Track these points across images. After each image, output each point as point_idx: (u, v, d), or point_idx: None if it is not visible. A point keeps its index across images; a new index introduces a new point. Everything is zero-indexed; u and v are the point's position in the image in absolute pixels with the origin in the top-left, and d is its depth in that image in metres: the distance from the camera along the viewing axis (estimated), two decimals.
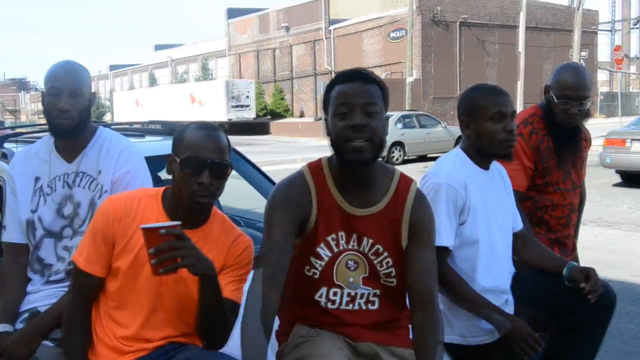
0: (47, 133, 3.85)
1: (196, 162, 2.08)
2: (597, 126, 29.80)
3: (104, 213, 2.18)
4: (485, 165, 2.66)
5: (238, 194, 4.27)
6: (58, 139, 2.60)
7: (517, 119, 3.06)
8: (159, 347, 2.16)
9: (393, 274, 2.18)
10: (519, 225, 2.82)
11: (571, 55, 26.85)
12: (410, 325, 2.23)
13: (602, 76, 50.00)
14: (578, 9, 26.28)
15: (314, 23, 41.11)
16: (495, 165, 2.74)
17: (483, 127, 2.58)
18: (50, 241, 2.56)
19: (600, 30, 43.96)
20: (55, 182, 2.58)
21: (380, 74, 35.40)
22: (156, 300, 2.16)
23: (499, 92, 2.64)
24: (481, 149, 2.62)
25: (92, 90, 2.64)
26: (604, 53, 46.93)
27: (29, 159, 2.65)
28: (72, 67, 2.58)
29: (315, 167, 2.20)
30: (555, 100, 3.10)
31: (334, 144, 2.09)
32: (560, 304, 2.73)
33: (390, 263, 2.17)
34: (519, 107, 34.28)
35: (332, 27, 40.17)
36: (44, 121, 2.81)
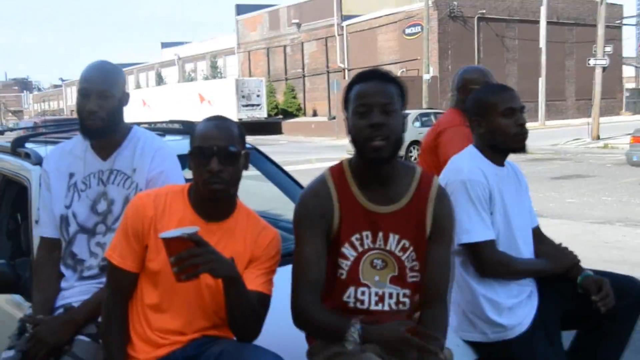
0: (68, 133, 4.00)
1: (203, 151, 2.21)
2: (623, 124, 29.73)
3: (134, 210, 2.31)
4: (499, 162, 2.81)
5: (261, 194, 4.40)
6: (87, 139, 2.71)
7: (449, 123, 3.73)
8: (194, 340, 2.29)
9: (417, 267, 2.30)
10: (535, 222, 2.97)
11: (595, 51, 26.72)
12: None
13: (628, 72, 49.78)
14: (601, 3, 26.16)
15: (326, 19, 41.22)
16: (510, 163, 2.88)
17: (495, 123, 2.74)
18: (83, 237, 2.68)
19: (625, 24, 43.75)
20: (90, 178, 2.70)
21: (396, 71, 35.42)
22: (191, 296, 2.28)
23: (506, 88, 2.84)
24: (496, 145, 2.78)
25: (126, 91, 2.75)
26: (629, 48, 46.72)
27: (64, 155, 2.78)
28: (104, 68, 2.69)
29: (336, 169, 2.35)
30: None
31: (354, 142, 2.24)
32: (584, 303, 2.83)
33: (414, 257, 2.29)
34: (542, 104, 34.26)
35: (344, 24, 40.25)
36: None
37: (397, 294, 2.29)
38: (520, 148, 2.79)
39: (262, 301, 2.28)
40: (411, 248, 2.29)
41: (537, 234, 2.96)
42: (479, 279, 2.72)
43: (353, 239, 2.28)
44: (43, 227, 2.76)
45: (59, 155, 2.80)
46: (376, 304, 2.29)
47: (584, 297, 2.77)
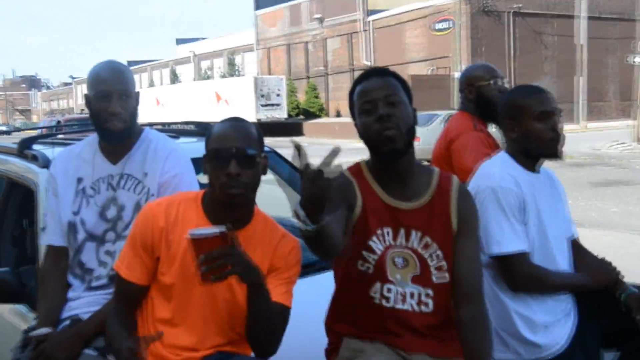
0: (78, 134, 4.03)
1: (221, 153, 2.21)
2: None
3: (143, 220, 2.32)
4: (533, 168, 2.79)
5: (280, 199, 4.37)
6: (109, 143, 2.73)
7: (459, 129, 3.64)
8: (207, 356, 2.29)
9: (445, 267, 2.35)
10: (574, 232, 2.93)
11: (633, 47, 26.39)
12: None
13: None
14: None
15: (350, 14, 41.19)
16: (545, 169, 2.86)
17: (529, 127, 2.72)
18: (92, 245, 2.70)
19: None
20: (99, 183, 2.72)
21: (424, 69, 35.36)
22: (206, 310, 2.29)
23: (541, 90, 2.81)
24: (529, 151, 2.76)
25: (137, 90, 2.78)
26: None
27: (72, 159, 2.80)
28: (118, 67, 2.72)
29: (354, 168, 2.43)
30: (489, 84, 3.66)
31: (367, 141, 2.33)
32: (628, 322, 2.79)
33: (441, 256, 2.34)
34: (581, 104, 33.94)
35: (370, 19, 40.21)
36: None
37: (419, 294, 2.34)
38: (555, 154, 2.76)
39: (282, 314, 2.28)
40: (435, 245, 2.34)
41: (576, 246, 2.92)
42: (512, 294, 2.69)
43: (379, 232, 2.32)
44: (50, 235, 2.78)
45: (66, 158, 2.82)
46: (401, 302, 2.33)
47: (628, 315, 2.72)
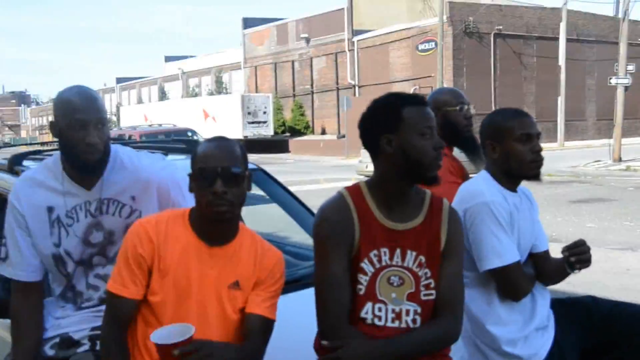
0: None
1: (206, 172, 2.24)
2: None
3: (135, 236, 2.31)
4: (512, 188, 2.82)
5: (266, 216, 4.40)
6: (83, 174, 2.59)
7: None
8: None
9: (432, 285, 2.38)
10: (545, 245, 2.96)
11: (616, 69, 26.71)
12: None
13: None
14: (624, 20, 26.22)
15: (336, 34, 41.41)
16: (522, 188, 2.89)
17: (510, 149, 2.76)
18: (81, 269, 2.65)
19: None
20: (76, 211, 2.61)
21: (409, 88, 35.54)
22: (198, 326, 2.24)
23: (523, 114, 2.86)
24: (510, 171, 2.79)
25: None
26: None
27: (35, 188, 2.63)
28: (91, 94, 2.56)
29: (353, 188, 2.45)
30: (456, 109, 3.57)
31: (414, 162, 2.33)
32: (606, 337, 2.82)
33: (429, 274, 2.38)
34: (560, 124, 34.24)
35: (355, 39, 40.42)
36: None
37: (415, 311, 2.36)
38: (536, 175, 2.80)
39: (267, 326, 2.32)
40: (426, 264, 2.37)
41: (547, 257, 2.95)
42: (491, 309, 2.72)
43: (371, 254, 2.35)
44: (16, 269, 2.65)
45: (29, 188, 2.64)
46: (392, 321, 2.35)
47: (606, 330, 2.76)
